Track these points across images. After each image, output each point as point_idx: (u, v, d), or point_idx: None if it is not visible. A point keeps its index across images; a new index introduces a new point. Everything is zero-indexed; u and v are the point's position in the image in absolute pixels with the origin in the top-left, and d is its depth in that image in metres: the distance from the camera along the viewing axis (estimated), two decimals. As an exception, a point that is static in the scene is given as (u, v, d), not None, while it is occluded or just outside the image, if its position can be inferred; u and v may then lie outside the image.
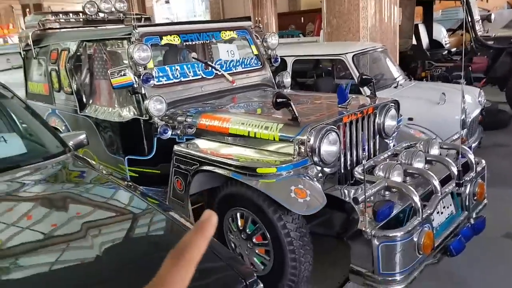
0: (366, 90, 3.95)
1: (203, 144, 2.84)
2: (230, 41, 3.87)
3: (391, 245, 2.06)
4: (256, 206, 2.41)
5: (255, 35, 3.98)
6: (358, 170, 2.47)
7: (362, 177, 2.15)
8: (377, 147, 2.94)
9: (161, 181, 3.06)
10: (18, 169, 2.15)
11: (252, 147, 2.63)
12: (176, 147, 2.82)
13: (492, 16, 7.21)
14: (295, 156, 2.43)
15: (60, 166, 2.31)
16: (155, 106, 2.93)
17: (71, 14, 4.53)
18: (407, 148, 2.75)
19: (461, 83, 3.46)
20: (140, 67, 2.96)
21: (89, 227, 1.66)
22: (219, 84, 3.49)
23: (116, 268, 1.43)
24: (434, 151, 2.67)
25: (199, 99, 3.29)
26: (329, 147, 2.45)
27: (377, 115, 2.88)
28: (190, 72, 3.37)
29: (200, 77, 3.41)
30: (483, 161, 2.78)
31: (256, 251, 2.53)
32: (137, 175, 3.34)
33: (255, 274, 1.40)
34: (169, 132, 2.99)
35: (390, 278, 2.11)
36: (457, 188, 2.42)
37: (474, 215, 2.67)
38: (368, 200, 2.13)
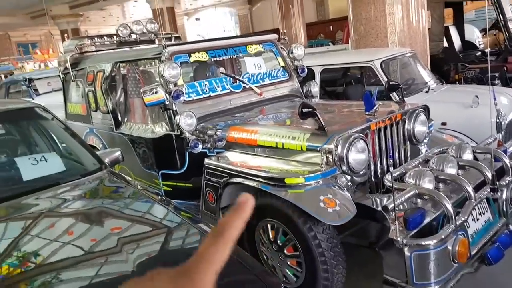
0: (395, 96, 3.90)
1: (232, 156, 2.89)
2: (257, 54, 3.93)
3: (424, 254, 2.01)
4: (286, 217, 2.41)
5: (281, 47, 4.03)
6: (387, 178, 2.43)
7: (391, 185, 2.13)
8: (408, 154, 2.89)
9: (194, 194, 3.11)
10: (58, 186, 2.28)
11: (281, 158, 2.64)
12: (206, 160, 2.88)
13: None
14: (323, 166, 2.43)
15: (97, 182, 2.42)
16: (186, 121, 3.02)
17: (105, 37, 4.73)
18: (439, 153, 2.69)
19: (489, 84, 3.35)
20: (170, 84, 3.06)
21: (125, 242, 1.74)
22: (247, 97, 3.54)
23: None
24: (467, 156, 2.60)
25: (228, 113, 3.35)
26: (357, 155, 2.44)
27: (406, 121, 2.84)
28: (218, 87, 3.45)
29: (228, 91, 3.48)
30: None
31: (288, 262, 2.53)
32: (170, 189, 3.41)
33: (283, 285, 1.41)
34: (200, 146, 3.05)
35: (425, 288, 2.06)
36: (492, 193, 2.34)
37: (512, 221, 2.57)
38: (399, 208, 2.10)
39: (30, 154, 2.66)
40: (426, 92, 4.33)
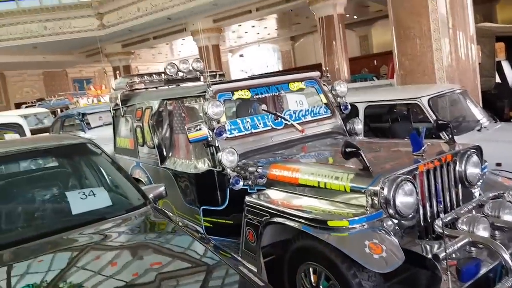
0: (445, 136, 3.74)
1: (273, 194, 2.85)
2: (299, 91, 3.93)
3: (481, 310, 1.85)
4: (329, 261, 2.32)
5: (324, 83, 4.02)
6: (438, 224, 2.29)
7: (442, 231, 1.99)
8: (461, 198, 2.73)
9: (235, 231, 3.08)
10: (104, 221, 2.36)
11: (323, 198, 2.58)
12: (247, 198, 2.86)
13: None
14: (368, 208, 2.33)
15: (141, 218, 2.48)
16: (228, 158, 3.03)
17: (154, 75, 4.92)
18: (494, 198, 2.52)
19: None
20: (213, 121, 3.12)
21: (163, 277, 1.81)
22: (289, 133, 3.53)
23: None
24: (526, 201, 2.41)
25: (269, 149, 3.35)
26: (404, 198, 2.33)
27: (458, 163, 2.70)
28: (260, 124, 3.47)
29: (270, 127, 3.49)
30: None
31: (331, 309, 2.41)
32: (211, 225, 3.41)
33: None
34: (241, 183, 3.05)
35: None
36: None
37: None
38: (451, 257, 1.96)
39: (80, 188, 2.78)
40: (478, 130, 4.14)
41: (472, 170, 2.71)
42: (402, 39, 6.05)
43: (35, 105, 15.97)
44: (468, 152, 2.73)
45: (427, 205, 2.54)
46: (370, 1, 17.91)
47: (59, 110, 14.50)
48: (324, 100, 3.90)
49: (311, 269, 2.49)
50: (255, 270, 2.66)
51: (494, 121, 4.61)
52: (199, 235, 2.35)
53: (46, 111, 13.20)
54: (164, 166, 3.94)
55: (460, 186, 2.73)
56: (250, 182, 3.05)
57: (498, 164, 3.54)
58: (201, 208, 3.46)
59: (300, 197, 2.70)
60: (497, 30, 7.11)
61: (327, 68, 4.80)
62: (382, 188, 2.30)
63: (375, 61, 19.61)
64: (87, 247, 2.11)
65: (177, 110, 3.94)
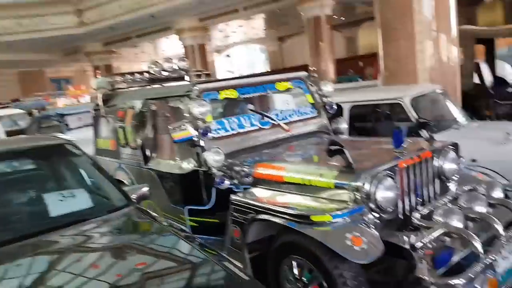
0: (425, 134, 3.87)
1: (259, 192, 2.91)
2: (286, 91, 3.99)
3: (453, 294, 1.96)
4: (311, 255, 2.40)
5: (310, 83, 4.08)
6: (416, 216, 2.41)
7: (419, 223, 2.11)
8: (437, 191, 2.85)
9: (220, 230, 3.10)
10: (85, 222, 2.31)
11: (307, 195, 2.65)
12: (232, 196, 2.90)
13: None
14: (350, 203, 2.43)
15: (124, 218, 2.45)
16: (213, 158, 3.04)
17: (137, 74, 4.72)
18: (468, 191, 2.65)
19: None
20: (199, 121, 3.12)
21: (149, 277, 1.79)
22: (276, 133, 3.58)
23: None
24: (498, 193, 2.55)
25: (256, 149, 3.38)
26: (385, 193, 2.43)
27: (436, 159, 2.82)
28: (247, 123, 3.50)
29: (256, 127, 3.53)
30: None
31: (314, 300, 2.50)
32: (197, 224, 3.40)
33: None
34: (227, 182, 3.06)
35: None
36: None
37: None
38: (427, 246, 2.08)
39: (59, 190, 2.66)
40: (456, 129, 4.28)
41: (449, 166, 2.83)
42: (387, 41, 6.19)
43: (10, 106, 15.25)
44: (446, 149, 2.86)
45: (406, 199, 2.64)
46: (357, 2, 18.05)
47: (35, 111, 14.00)
48: (311, 100, 3.95)
49: (294, 263, 2.57)
50: (241, 266, 2.70)
51: (471, 120, 4.77)
52: (184, 234, 2.35)
53: (22, 112, 12.66)
54: (148, 167, 3.87)
55: (437, 180, 2.85)
56: (236, 181, 3.07)
57: (474, 160, 3.68)
58: (187, 208, 3.44)
59: (285, 194, 2.76)
60: (477, 33, 7.31)
61: (315, 68, 4.85)
62: (364, 184, 2.40)
63: (361, 63, 19.78)
64: (68, 249, 2.07)
65: (161, 110, 3.86)
